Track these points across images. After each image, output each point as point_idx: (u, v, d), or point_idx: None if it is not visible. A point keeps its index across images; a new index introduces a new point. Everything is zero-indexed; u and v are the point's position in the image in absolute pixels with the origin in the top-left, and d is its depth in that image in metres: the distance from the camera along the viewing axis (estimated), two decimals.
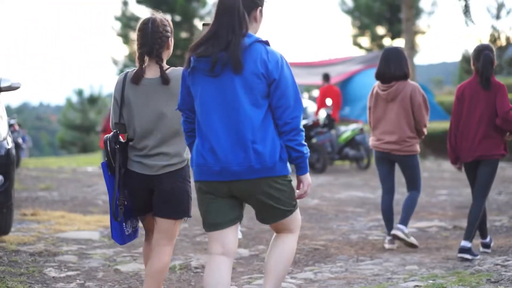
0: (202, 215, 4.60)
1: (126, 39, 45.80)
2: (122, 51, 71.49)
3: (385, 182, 8.26)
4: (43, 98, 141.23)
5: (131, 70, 5.23)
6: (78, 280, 6.45)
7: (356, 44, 46.34)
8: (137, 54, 5.20)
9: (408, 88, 7.95)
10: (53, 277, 6.54)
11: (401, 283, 6.36)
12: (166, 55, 5.22)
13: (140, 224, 5.39)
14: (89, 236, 8.40)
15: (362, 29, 45.36)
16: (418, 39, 43.39)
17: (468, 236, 7.36)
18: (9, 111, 8.64)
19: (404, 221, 8.01)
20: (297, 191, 4.62)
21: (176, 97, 4.96)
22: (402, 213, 8.04)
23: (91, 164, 24.61)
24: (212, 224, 4.55)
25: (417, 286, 6.21)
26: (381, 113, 8.09)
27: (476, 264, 7.10)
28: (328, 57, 41.01)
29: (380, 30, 44.59)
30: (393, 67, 7.96)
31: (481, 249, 7.80)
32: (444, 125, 20.89)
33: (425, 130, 8.01)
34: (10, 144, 7.62)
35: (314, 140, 18.10)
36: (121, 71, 46.00)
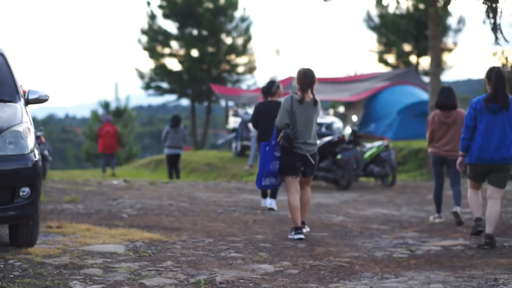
0: (472, 177, 9.48)
1: (153, 53, 45.95)
2: (148, 64, 72.00)
3: (438, 177, 11.96)
4: (69, 111, 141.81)
5: (294, 95, 9.71)
6: None
7: (382, 60, 46.30)
8: (299, 87, 9.70)
9: (461, 114, 11.56)
10: None
11: None
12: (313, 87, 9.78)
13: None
14: (114, 250, 8.41)
15: (388, 46, 45.33)
16: (445, 56, 43.26)
17: None
18: (35, 123, 8.72)
19: (459, 204, 11.70)
20: None
21: (318, 113, 9.83)
22: (455, 199, 11.76)
23: (116, 177, 24.70)
24: (476, 180, 9.44)
25: None
26: (443, 132, 11.76)
27: (500, 283, 7.06)
28: (354, 73, 40.95)
29: (407, 47, 44.54)
30: (450, 100, 11.72)
31: None
32: None
33: None
34: (37, 156, 7.67)
35: (339, 157, 18.05)
36: (147, 84, 46.29)
